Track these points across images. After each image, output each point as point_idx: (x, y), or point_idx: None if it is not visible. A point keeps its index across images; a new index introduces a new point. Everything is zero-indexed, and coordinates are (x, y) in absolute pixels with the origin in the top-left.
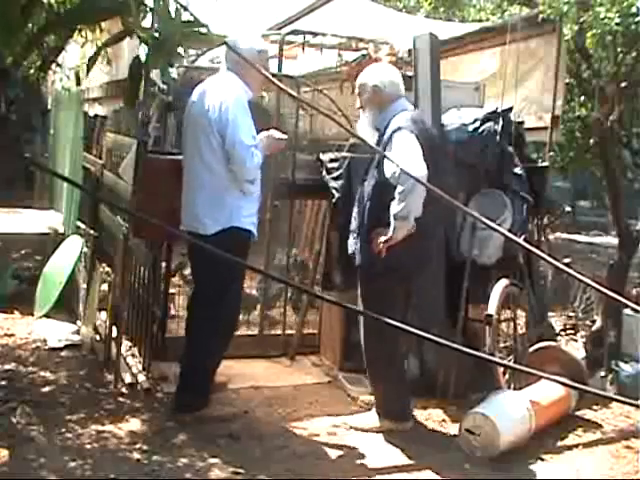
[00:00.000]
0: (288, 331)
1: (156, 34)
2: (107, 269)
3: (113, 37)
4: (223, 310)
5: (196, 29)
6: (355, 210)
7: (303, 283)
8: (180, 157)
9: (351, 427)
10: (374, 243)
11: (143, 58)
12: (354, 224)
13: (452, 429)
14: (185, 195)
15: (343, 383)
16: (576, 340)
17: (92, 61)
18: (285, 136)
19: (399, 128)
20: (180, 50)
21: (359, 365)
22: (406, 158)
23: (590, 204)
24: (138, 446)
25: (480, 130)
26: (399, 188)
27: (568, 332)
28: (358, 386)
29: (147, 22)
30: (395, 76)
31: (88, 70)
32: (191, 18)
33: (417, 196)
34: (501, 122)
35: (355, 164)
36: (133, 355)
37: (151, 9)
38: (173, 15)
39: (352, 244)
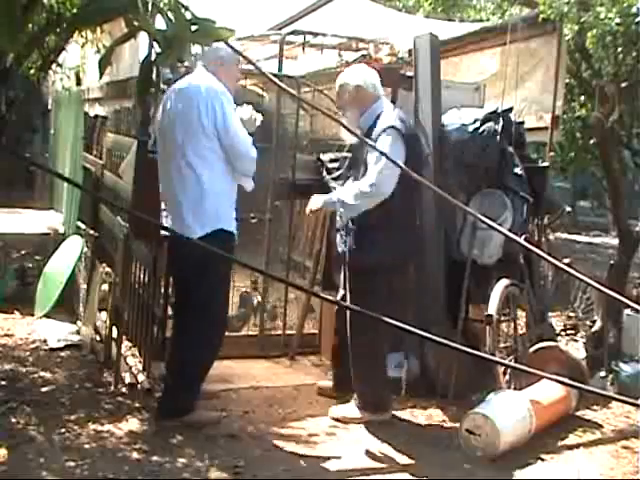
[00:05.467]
0: (288, 331)
1: (166, 32)
2: (107, 269)
3: (122, 37)
4: (209, 318)
5: (204, 25)
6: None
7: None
8: None
9: (332, 418)
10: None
11: (143, 57)
12: (339, 223)
13: (452, 429)
14: (166, 199)
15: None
16: (576, 340)
17: (104, 62)
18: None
19: (390, 127)
20: (190, 47)
21: None
22: (382, 167)
23: (590, 204)
24: (138, 446)
25: (480, 130)
26: (365, 186)
27: (568, 332)
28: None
29: (152, 20)
30: (375, 77)
31: (101, 73)
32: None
33: (369, 202)
34: (501, 122)
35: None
36: (133, 355)
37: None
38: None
39: (340, 243)
